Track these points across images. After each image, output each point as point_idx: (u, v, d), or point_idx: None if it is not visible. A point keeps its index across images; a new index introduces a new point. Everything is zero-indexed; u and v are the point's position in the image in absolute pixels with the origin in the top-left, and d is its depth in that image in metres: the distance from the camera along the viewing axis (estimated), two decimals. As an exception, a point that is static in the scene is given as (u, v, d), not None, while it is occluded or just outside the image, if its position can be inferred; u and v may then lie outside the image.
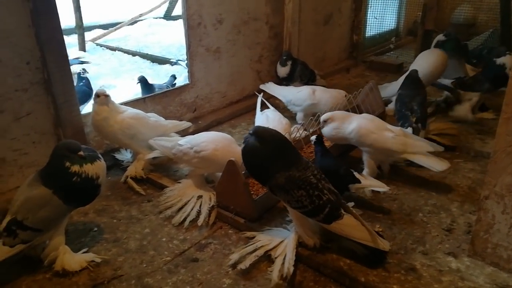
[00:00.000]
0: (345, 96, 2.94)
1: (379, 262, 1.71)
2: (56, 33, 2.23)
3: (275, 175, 1.65)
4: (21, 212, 1.61)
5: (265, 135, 1.69)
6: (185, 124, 2.63)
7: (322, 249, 1.78)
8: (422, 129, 2.57)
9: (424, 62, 3.19)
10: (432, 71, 3.15)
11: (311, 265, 1.75)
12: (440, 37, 3.65)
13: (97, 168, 1.69)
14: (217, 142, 2.16)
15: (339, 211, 1.66)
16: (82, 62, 4.99)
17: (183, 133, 2.69)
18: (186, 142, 2.25)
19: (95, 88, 2.87)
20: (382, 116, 3.18)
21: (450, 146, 2.73)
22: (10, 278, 1.69)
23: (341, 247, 1.76)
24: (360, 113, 3.05)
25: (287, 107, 3.20)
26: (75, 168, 1.62)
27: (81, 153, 1.64)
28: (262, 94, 3.00)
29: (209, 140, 2.19)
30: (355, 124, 2.26)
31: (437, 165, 2.20)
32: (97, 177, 1.68)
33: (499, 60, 2.97)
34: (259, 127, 1.79)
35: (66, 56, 2.30)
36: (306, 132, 2.74)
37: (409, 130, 2.57)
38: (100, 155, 1.76)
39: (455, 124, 3.01)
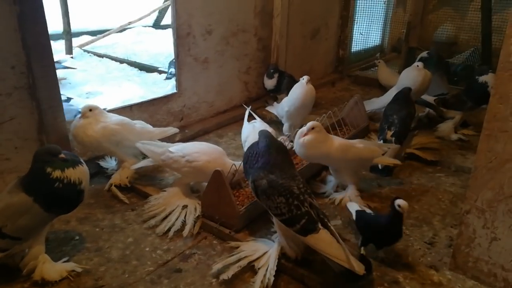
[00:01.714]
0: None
1: (355, 280, 1.63)
2: (42, 38, 2.20)
3: (259, 172, 1.71)
4: (0, 220, 1.56)
5: (271, 136, 1.88)
6: (172, 130, 2.62)
7: (304, 261, 1.77)
8: (397, 143, 2.57)
9: (409, 80, 3.26)
10: (417, 88, 3.22)
11: (295, 277, 1.75)
12: (424, 54, 3.75)
13: (80, 172, 1.65)
14: (210, 154, 2.19)
15: (316, 225, 1.63)
16: (66, 67, 4.92)
17: (169, 140, 2.67)
18: (177, 150, 2.24)
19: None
20: (367, 129, 3.24)
21: (432, 160, 2.80)
22: (-14, 287, 1.64)
23: (324, 260, 1.75)
24: (345, 125, 3.11)
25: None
26: (57, 173, 1.59)
27: (62, 155, 1.61)
28: (250, 106, 3.02)
29: (202, 152, 2.20)
30: (336, 140, 2.26)
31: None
32: (80, 182, 1.64)
33: (482, 78, 3.05)
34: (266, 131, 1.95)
35: (52, 61, 2.28)
36: (292, 143, 2.76)
37: (380, 143, 2.61)
38: (82, 160, 1.73)
39: (437, 138, 3.09)
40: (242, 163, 1.94)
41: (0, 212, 1.57)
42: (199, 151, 2.21)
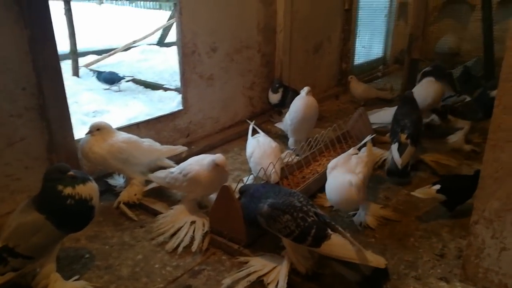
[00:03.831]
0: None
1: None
2: (52, 60, 2.26)
3: (257, 204, 1.77)
4: (13, 239, 1.58)
5: (243, 188, 1.97)
6: (180, 149, 2.65)
7: (314, 275, 1.77)
8: (412, 145, 2.62)
9: (424, 94, 3.27)
10: (432, 102, 3.28)
11: (305, 292, 1.75)
12: (427, 68, 3.79)
13: (90, 189, 1.68)
14: (201, 163, 2.17)
15: (326, 231, 1.64)
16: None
17: (176, 157, 2.70)
18: (176, 168, 2.28)
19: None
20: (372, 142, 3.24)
21: (442, 175, 2.78)
22: (-2, 307, 1.65)
23: (334, 273, 1.76)
24: (350, 138, 3.12)
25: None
26: (68, 190, 1.62)
27: (71, 173, 1.65)
28: (253, 121, 3.05)
29: (194, 162, 2.21)
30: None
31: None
32: (91, 198, 1.67)
33: (493, 93, 3.02)
34: (242, 187, 2.02)
35: (62, 82, 2.32)
36: (297, 157, 2.78)
37: (395, 146, 2.63)
38: (91, 178, 1.75)
39: (453, 157, 3.02)
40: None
41: (13, 232, 1.59)
42: (192, 162, 2.22)
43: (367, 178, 2.25)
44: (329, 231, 1.65)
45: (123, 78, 5.18)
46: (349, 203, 2.09)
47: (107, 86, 5.20)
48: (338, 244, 1.62)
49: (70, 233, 1.75)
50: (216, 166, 2.10)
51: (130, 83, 5.41)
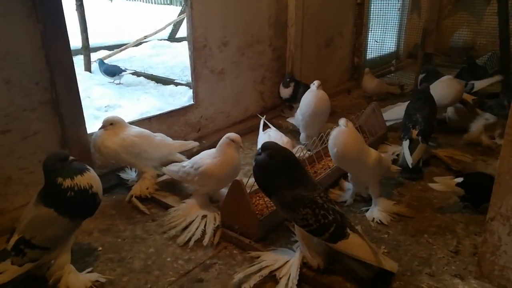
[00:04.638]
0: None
1: (383, 286, 1.68)
2: (65, 55, 2.28)
3: (282, 192, 1.67)
4: (29, 231, 1.61)
5: (274, 149, 1.74)
6: (192, 144, 2.65)
7: (326, 270, 1.76)
8: (423, 142, 2.56)
9: (444, 92, 3.21)
10: (452, 99, 3.24)
11: (317, 286, 1.74)
12: (420, 76, 3.77)
13: (88, 178, 1.70)
14: (212, 156, 2.17)
15: (345, 231, 1.66)
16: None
17: (187, 151, 2.70)
18: (188, 162, 2.28)
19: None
20: (384, 137, 3.21)
21: (457, 170, 2.74)
22: (14, 298, 1.67)
23: (346, 269, 1.75)
24: (363, 133, 3.09)
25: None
26: (68, 182, 1.63)
27: (72, 157, 1.69)
28: (264, 116, 3.04)
29: (206, 156, 2.21)
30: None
31: None
32: (90, 186, 1.69)
33: None
34: (269, 142, 1.82)
35: (75, 76, 2.34)
36: (309, 152, 2.76)
37: (406, 143, 2.58)
38: (88, 167, 1.76)
39: (468, 153, 2.94)
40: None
41: (28, 224, 1.62)
42: (203, 156, 2.22)
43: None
44: (348, 230, 1.67)
45: (124, 70, 5.26)
46: None
47: (109, 78, 5.30)
48: (355, 244, 1.65)
49: (83, 220, 1.77)
50: (231, 142, 2.11)
51: (142, 78, 5.43)
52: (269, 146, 1.75)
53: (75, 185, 1.65)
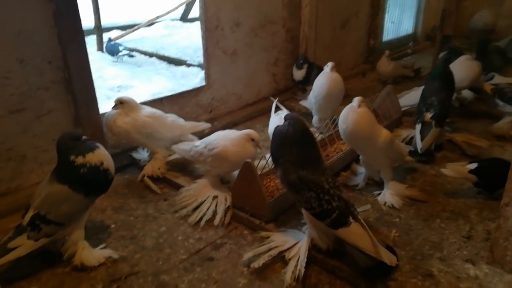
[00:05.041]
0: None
1: (381, 276, 1.65)
2: (77, 34, 2.27)
3: (290, 166, 1.68)
4: (44, 207, 1.64)
5: (296, 120, 1.77)
6: (204, 125, 2.64)
7: (335, 252, 1.76)
8: (437, 126, 2.49)
9: (462, 73, 3.12)
10: (471, 81, 3.16)
11: (326, 268, 1.74)
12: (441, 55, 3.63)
13: (98, 155, 1.72)
14: (228, 138, 2.16)
15: (347, 219, 1.64)
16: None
17: (199, 133, 2.70)
18: (201, 142, 2.27)
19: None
20: (399, 121, 3.16)
21: (472, 155, 2.68)
22: (31, 271, 1.72)
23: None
24: (377, 117, 3.04)
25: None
26: (80, 160, 1.67)
27: (85, 137, 1.73)
28: (277, 98, 3.00)
29: (221, 137, 2.20)
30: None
31: None
32: (101, 163, 1.72)
33: None
34: (293, 114, 1.88)
35: (87, 56, 2.34)
36: (322, 135, 2.73)
37: (419, 126, 2.53)
38: (99, 144, 1.79)
39: (485, 138, 2.86)
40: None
41: (43, 200, 1.65)
42: (217, 137, 2.21)
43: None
44: (351, 219, 1.65)
45: (121, 51, 5.32)
46: None
47: (113, 58, 5.39)
48: (356, 233, 1.63)
49: (97, 197, 1.81)
50: (250, 141, 2.10)
51: (154, 59, 5.42)
52: (293, 117, 1.80)
53: (87, 162, 1.68)
